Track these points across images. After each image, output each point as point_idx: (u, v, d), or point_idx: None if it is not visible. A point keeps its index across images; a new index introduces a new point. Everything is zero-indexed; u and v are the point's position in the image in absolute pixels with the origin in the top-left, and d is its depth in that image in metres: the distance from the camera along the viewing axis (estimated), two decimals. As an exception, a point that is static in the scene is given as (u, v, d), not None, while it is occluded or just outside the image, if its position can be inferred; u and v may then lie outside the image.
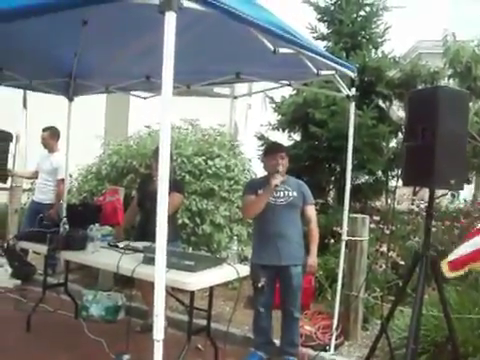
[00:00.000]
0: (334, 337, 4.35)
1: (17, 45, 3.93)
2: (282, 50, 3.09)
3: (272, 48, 2.97)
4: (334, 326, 4.38)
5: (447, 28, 7.41)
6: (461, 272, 3.63)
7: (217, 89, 6.96)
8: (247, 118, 13.69)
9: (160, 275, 2.13)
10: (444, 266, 3.61)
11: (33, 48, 4.12)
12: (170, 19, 2.06)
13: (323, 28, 8.13)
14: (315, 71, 3.66)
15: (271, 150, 4.15)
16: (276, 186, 3.86)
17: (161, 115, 2.13)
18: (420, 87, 7.05)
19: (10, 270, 6.04)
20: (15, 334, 4.38)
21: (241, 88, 7.89)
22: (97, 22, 3.41)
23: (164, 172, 2.12)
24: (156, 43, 2.33)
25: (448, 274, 3.65)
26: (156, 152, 4.48)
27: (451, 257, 3.64)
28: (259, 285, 3.95)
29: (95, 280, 5.65)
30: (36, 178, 6.47)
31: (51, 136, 6.22)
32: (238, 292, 4.04)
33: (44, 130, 6.24)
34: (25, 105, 7.29)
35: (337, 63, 3.92)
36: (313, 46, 3.74)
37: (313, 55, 3.47)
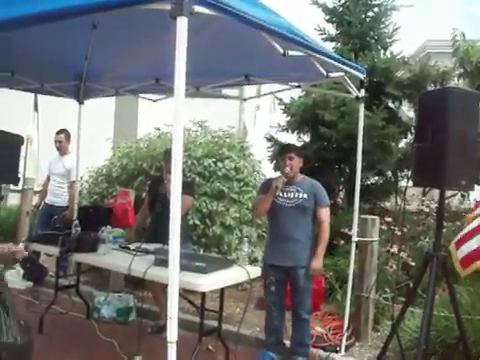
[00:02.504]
0: (345, 338, 4.36)
1: (28, 49, 3.98)
2: (292, 52, 3.09)
3: (282, 51, 2.98)
4: (345, 327, 4.38)
5: (456, 27, 7.39)
6: (472, 269, 3.58)
7: (226, 91, 6.97)
8: (256, 119, 13.69)
9: (174, 277, 2.15)
10: (457, 265, 3.59)
11: (44, 52, 4.17)
12: (182, 24, 2.08)
13: (331, 29, 8.11)
14: (325, 73, 3.66)
15: (281, 151, 4.25)
16: (276, 188, 3.91)
17: (174, 119, 2.15)
18: (430, 88, 7.03)
19: (22, 272, 6.10)
20: (28, 335, 4.41)
21: (250, 90, 7.90)
22: (107, 26, 3.44)
23: (177, 175, 2.13)
24: (166, 46, 2.35)
25: (463, 273, 3.61)
26: (166, 154, 4.54)
27: (460, 255, 3.62)
28: (267, 283, 4.02)
29: (106, 282, 5.68)
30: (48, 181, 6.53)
31: (67, 138, 6.30)
32: (248, 293, 4.05)
33: (59, 132, 6.30)
34: (36, 108, 7.35)
35: (347, 65, 3.92)
36: (322, 48, 3.74)
37: (323, 57, 3.48)
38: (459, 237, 3.65)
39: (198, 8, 2.19)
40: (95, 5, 2.35)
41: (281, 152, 4.18)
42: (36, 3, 2.44)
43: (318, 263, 3.99)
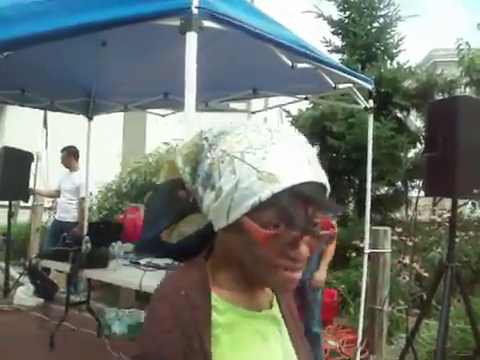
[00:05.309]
0: (359, 352, 4.30)
1: (38, 67, 4.02)
2: (300, 65, 3.10)
3: (290, 64, 2.99)
4: (359, 340, 4.33)
5: (461, 37, 7.39)
6: None
7: (233, 104, 6.97)
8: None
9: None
10: None
11: (54, 69, 4.20)
12: (191, 39, 2.09)
13: (337, 41, 8.15)
14: (333, 85, 3.66)
15: None
16: None
17: (185, 132, 2.15)
18: (437, 97, 7.02)
19: (33, 288, 6.09)
20: (39, 352, 4.40)
21: (257, 103, 7.91)
22: (116, 42, 3.47)
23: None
24: (174, 61, 2.36)
25: None
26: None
27: None
28: None
29: (117, 298, 5.66)
30: (57, 197, 6.56)
31: (68, 156, 6.33)
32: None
33: (62, 151, 6.37)
34: (46, 125, 7.42)
35: (354, 76, 3.92)
36: (330, 60, 3.75)
37: (331, 69, 3.48)
38: None
39: (207, 23, 2.20)
40: (104, 22, 2.37)
41: None
42: (46, 20, 2.47)
43: (322, 275, 4.00)
